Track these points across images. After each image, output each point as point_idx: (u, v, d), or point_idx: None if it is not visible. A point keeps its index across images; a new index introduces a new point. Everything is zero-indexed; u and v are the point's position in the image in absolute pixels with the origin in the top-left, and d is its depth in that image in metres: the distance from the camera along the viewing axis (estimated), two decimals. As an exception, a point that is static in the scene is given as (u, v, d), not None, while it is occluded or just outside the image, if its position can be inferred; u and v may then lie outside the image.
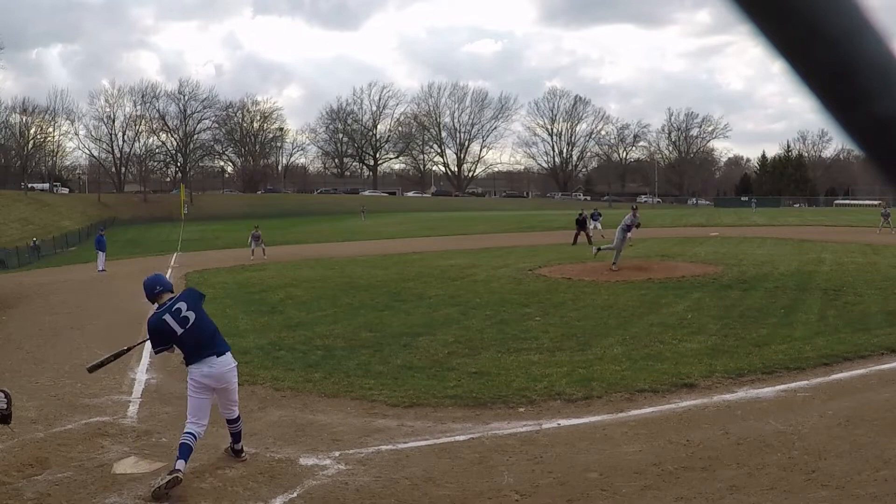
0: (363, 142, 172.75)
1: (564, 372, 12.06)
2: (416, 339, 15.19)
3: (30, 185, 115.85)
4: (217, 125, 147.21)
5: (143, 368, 13.97)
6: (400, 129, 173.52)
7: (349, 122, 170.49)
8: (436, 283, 24.85)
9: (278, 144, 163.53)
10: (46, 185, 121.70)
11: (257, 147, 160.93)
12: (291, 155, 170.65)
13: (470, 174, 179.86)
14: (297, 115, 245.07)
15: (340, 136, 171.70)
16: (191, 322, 8.35)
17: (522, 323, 16.89)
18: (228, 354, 8.51)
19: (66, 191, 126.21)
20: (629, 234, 25.78)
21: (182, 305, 8.41)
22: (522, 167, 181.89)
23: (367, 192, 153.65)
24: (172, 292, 8.69)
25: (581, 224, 44.03)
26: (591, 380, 11.47)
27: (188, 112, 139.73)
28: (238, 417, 8.71)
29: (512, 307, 19.29)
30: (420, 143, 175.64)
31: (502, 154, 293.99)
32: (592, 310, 18.42)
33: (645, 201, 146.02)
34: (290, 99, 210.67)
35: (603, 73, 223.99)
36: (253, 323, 18.35)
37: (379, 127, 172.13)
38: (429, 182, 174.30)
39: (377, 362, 13.35)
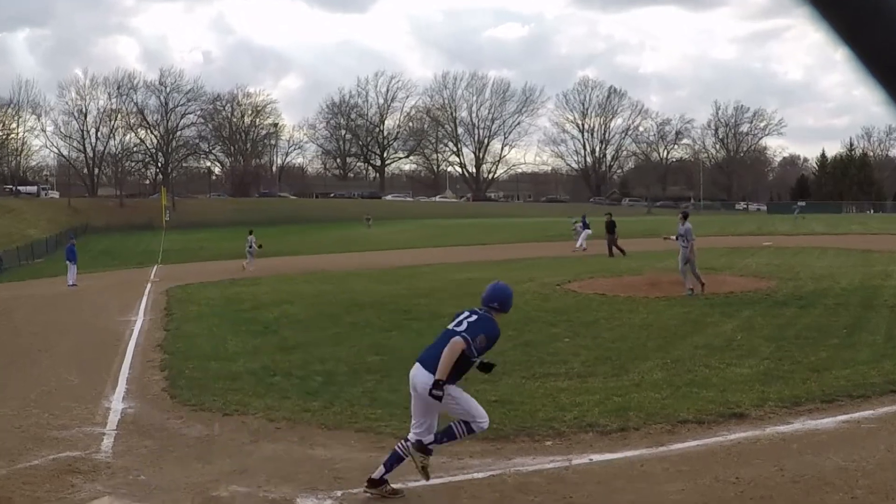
0: (369, 139, 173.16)
1: (597, 400, 12.04)
2: (428, 363, 15.18)
3: (16, 188, 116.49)
4: (203, 120, 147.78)
5: (118, 396, 13.97)
6: (410, 124, 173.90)
7: (353, 116, 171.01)
8: (451, 299, 24.81)
9: (272, 142, 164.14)
10: (34, 189, 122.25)
11: (249, 145, 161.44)
12: (287, 154, 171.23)
13: (490, 176, 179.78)
14: (294, 109, 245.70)
15: (343, 132, 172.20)
16: (449, 331, 8.69)
17: (549, 345, 16.87)
18: (423, 370, 8.60)
19: (56, 194, 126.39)
20: (690, 244, 24.31)
21: (466, 322, 8.71)
22: (549, 168, 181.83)
23: (389, 197, 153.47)
24: (495, 309, 8.93)
25: (610, 228, 43.26)
26: (628, 409, 11.44)
27: (170, 105, 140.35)
28: (468, 429, 8.77)
29: (537, 326, 19.26)
30: (433, 140, 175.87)
31: (526, 153, 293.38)
32: (629, 329, 18.38)
33: (744, 207, 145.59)
34: (287, 90, 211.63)
35: (642, 60, 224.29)
36: (243, 344, 18.39)
37: (387, 122, 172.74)
38: (443, 185, 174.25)
39: (384, 389, 13.34)
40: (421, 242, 64.25)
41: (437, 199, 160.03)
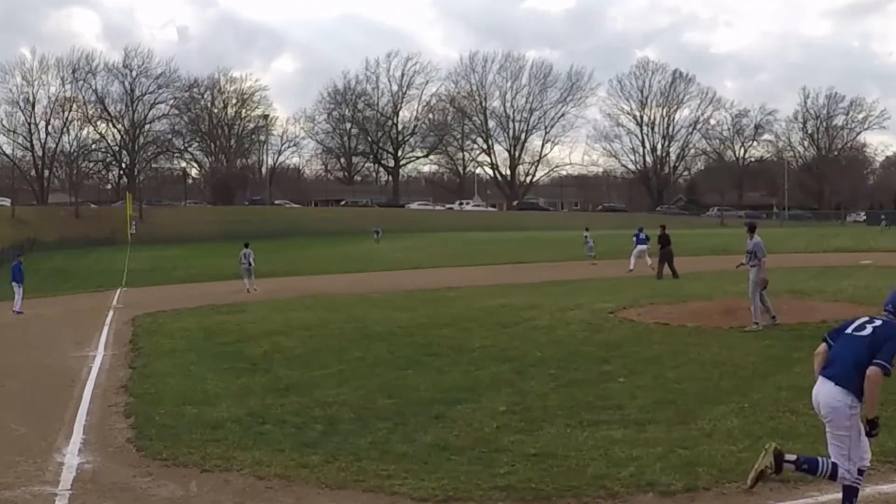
0: (379, 135, 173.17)
1: (659, 453, 12.02)
2: (452, 408, 15.19)
3: None
4: (177, 111, 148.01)
5: (74, 449, 13.99)
6: (431, 116, 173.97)
7: (360, 107, 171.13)
8: (480, 330, 24.88)
9: (262, 138, 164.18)
10: None
11: (233, 142, 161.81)
12: (280, 153, 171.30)
13: (528, 179, 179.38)
14: (288, 98, 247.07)
15: (348, 126, 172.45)
16: (849, 337, 8.98)
17: (600, 385, 16.85)
18: (835, 387, 8.79)
19: (7, 201, 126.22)
20: (761, 263, 24.12)
21: (871, 327, 8.91)
22: (600, 170, 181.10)
23: (414, 206, 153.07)
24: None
25: (663, 242, 43.42)
26: (696, 464, 11.42)
27: (137, 93, 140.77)
28: (833, 472, 8.93)
29: (585, 363, 19.26)
30: (458, 136, 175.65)
31: (572, 152, 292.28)
32: (698, 367, 18.34)
33: (861, 219, 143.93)
34: (280, 74, 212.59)
35: (715, 38, 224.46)
36: (227, 386, 18.41)
37: (402, 114, 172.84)
38: (471, 190, 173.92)
39: (398, 440, 13.36)
40: (444, 260, 64.28)
41: (469, 206, 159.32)
